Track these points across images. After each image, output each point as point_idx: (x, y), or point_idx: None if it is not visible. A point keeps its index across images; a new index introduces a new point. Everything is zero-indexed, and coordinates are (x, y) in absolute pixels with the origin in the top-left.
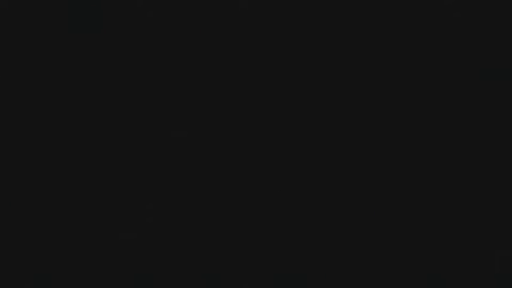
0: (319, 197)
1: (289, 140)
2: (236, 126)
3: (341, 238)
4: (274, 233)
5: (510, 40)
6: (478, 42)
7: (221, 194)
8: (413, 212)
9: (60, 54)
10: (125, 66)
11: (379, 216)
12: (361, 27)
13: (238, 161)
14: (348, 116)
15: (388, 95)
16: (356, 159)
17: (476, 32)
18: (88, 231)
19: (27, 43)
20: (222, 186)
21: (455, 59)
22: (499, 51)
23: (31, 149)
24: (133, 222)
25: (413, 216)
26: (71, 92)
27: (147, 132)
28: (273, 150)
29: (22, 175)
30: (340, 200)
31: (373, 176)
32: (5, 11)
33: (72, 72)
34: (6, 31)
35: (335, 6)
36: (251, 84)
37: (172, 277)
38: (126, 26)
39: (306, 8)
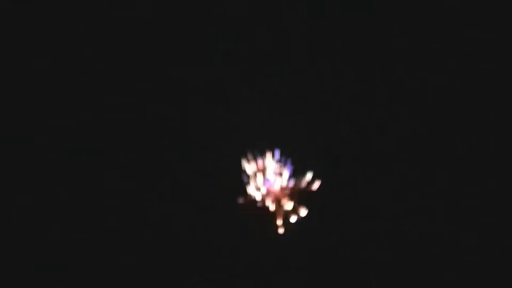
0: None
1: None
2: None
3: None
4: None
5: (510, 40)
6: (478, 42)
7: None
8: (413, 212)
9: (62, 53)
10: (126, 66)
11: (379, 216)
12: (360, 27)
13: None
14: (349, 117)
15: (387, 94)
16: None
17: (476, 31)
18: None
19: (27, 43)
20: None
21: (455, 58)
22: (499, 51)
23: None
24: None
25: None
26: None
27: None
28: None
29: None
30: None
31: (372, 177)
32: (5, 11)
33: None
34: (6, 31)
35: (336, 6)
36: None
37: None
38: (126, 25)
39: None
